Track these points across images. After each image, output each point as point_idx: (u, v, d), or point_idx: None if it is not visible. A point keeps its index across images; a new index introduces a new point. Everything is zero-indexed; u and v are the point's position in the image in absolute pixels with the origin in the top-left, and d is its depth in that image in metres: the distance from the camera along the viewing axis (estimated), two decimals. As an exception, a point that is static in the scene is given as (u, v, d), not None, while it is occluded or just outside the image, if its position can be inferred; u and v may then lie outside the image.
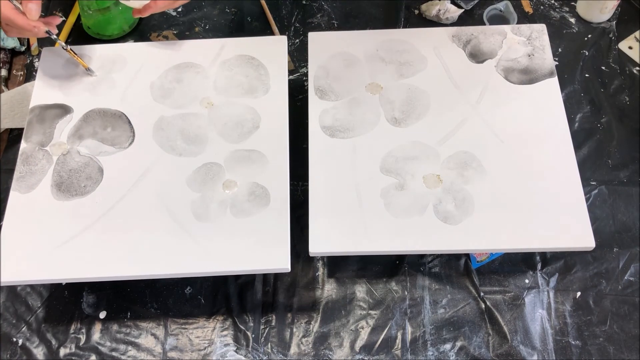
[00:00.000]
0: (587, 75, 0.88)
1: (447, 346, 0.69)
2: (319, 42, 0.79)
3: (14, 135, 0.84)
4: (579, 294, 0.72)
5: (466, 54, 0.78)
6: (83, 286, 0.73)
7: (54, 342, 0.70)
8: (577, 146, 0.80)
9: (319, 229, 0.66)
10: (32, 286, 0.73)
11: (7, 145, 0.83)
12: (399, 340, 0.70)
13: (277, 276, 0.74)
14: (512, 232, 0.65)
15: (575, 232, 0.65)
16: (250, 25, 0.94)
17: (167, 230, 0.66)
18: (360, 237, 0.65)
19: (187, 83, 0.77)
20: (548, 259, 0.74)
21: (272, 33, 0.92)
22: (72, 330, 0.71)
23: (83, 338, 0.70)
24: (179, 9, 0.95)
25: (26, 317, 0.72)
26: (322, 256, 0.74)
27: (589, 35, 0.91)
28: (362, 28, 0.93)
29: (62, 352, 0.70)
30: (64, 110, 0.75)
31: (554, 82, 0.75)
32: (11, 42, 0.90)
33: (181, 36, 0.93)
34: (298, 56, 0.90)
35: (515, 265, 0.74)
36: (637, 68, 0.88)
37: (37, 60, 0.91)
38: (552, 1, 0.95)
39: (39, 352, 0.70)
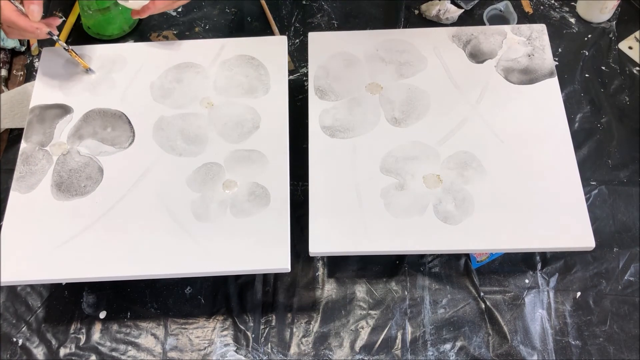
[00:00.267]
0: (587, 75, 0.88)
1: (447, 346, 0.69)
2: (319, 42, 0.79)
3: (14, 135, 0.84)
4: (579, 294, 0.72)
5: (466, 54, 0.78)
6: (83, 286, 0.73)
7: (54, 342, 0.70)
8: (577, 146, 0.80)
9: (319, 229, 0.66)
10: (32, 286, 0.73)
11: (7, 145, 0.83)
12: (399, 340, 0.70)
13: (277, 276, 0.74)
14: (512, 232, 0.65)
15: (575, 232, 0.65)
16: (250, 25, 0.94)
17: (167, 230, 0.66)
18: (360, 237, 0.65)
19: (187, 83, 0.77)
20: (548, 259, 0.74)
21: (272, 33, 0.92)
22: (72, 330, 0.71)
23: (83, 338, 0.70)
24: (179, 9, 0.95)
25: (26, 317, 0.72)
26: (322, 256, 0.74)
27: (589, 35, 0.91)
28: (362, 28, 0.93)
29: (62, 352, 0.70)
30: (64, 110, 0.75)
31: (554, 82, 0.75)
32: (11, 42, 0.90)
33: (181, 36, 0.93)
34: (298, 56, 0.90)
35: (515, 265, 0.74)
36: (637, 68, 0.88)
37: (37, 60, 0.91)
38: (552, 1, 0.95)
39: (39, 352, 0.70)
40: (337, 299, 0.72)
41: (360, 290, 0.73)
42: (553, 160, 0.69)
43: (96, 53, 0.79)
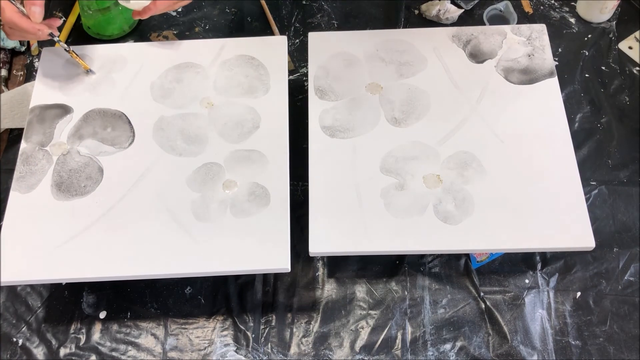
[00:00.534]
0: (587, 75, 0.88)
1: (447, 346, 0.69)
2: (319, 42, 0.79)
3: (14, 135, 0.84)
4: (579, 294, 0.72)
5: (466, 54, 0.78)
6: (83, 286, 0.73)
7: (54, 342, 0.70)
8: (577, 146, 0.80)
9: (319, 229, 0.65)
10: (32, 286, 0.73)
11: (7, 145, 0.83)
12: (399, 340, 0.70)
13: (277, 276, 0.74)
14: (512, 232, 0.65)
15: (575, 232, 0.65)
16: (250, 25, 0.94)
17: (167, 230, 0.66)
18: (360, 237, 0.65)
19: (187, 83, 0.77)
20: (548, 259, 0.74)
21: (272, 33, 0.92)
22: (72, 330, 0.71)
23: (83, 338, 0.70)
24: (179, 9, 0.95)
25: (26, 317, 0.72)
26: (322, 256, 0.74)
27: (589, 35, 0.91)
28: (362, 28, 0.93)
29: (62, 352, 0.70)
30: (64, 110, 0.75)
31: (554, 82, 0.75)
32: (11, 42, 0.90)
33: (181, 36, 0.93)
34: (298, 56, 0.90)
35: (515, 265, 0.74)
36: (637, 68, 0.88)
37: (37, 60, 0.91)
38: (552, 1, 0.95)
39: (39, 352, 0.70)
40: (337, 299, 0.72)
41: (360, 290, 0.73)
42: (553, 160, 0.69)
43: (96, 53, 0.79)
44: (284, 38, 0.80)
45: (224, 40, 0.80)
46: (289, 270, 0.64)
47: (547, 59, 0.77)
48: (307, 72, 0.81)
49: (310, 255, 0.65)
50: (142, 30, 0.93)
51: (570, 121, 0.82)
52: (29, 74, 0.89)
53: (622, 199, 0.78)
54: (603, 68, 0.88)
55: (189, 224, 0.66)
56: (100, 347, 0.70)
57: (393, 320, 0.71)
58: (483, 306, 0.71)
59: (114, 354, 0.69)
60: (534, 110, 0.73)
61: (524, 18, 0.93)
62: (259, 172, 0.69)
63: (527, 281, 0.73)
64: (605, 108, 0.85)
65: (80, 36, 0.93)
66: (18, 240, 0.66)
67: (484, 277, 0.73)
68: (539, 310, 0.71)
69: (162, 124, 0.74)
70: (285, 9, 0.95)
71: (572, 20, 0.93)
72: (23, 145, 0.72)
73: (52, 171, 0.70)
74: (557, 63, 0.88)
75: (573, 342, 0.69)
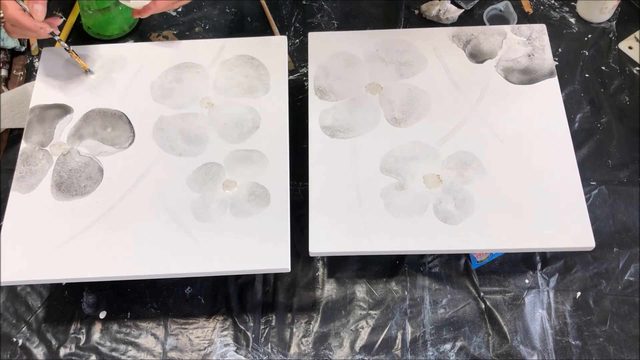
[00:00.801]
0: (587, 75, 0.88)
1: (447, 346, 0.69)
2: (319, 42, 0.79)
3: (14, 135, 0.84)
4: (579, 294, 0.72)
5: (466, 54, 0.78)
6: (83, 286, 0.73)
7: (54, 342, 0.70)
8: (577, 146, 0.80)
9: (319, 229, 0.65)
10: (32, 286, 0.73)
11: (7, 145, 0.83)
12: (399, 340, 0.70)
13: (277, 276, 0.74)
14: (512, 232, 0.65)
15: (575, 232, 0.65)
16: (250, 25, 0.94)
17: (167, 230, 0.66)
18: (360, 237, 0.65)
19: (187, 83, 0.77)
20: (548, 259, 0.74)
21: (272, 33, 0.92)
22: (72, 330, 0.71)
23: (83, 338, 0.70)
24: (179, 9, 0.95)
25: (26, 317, 0.72)
26: (322, 256, 0.74)
27: (589, 35, 0.91)
28: (362, 28, 0.93)
29: (62, 352, 0.70)
30: (64, 110, 0.75)
31: (554, 82, 0.75)
32: (11, 42, 0.90)
33: (181, 36, 0.93)
34: (298, 56, 0.90)
35: (515, 265, 0.74)
36: (637, 68, 0.88)
37: (37, 60, 0.91)
38: (552, 1, 0.95)
39: (39, 352, 0.70)
40: (337, 299, 0.72)
41: (360, 290, 0.73)
42: (553, 160, 0.69)
43: (96, 53, 0.79)
44: (284, 38, 0.80)
45: (224, 40, 0.80)
46: (289, 270, 0.64)
47: (547, 59, 0.77)
48: (307, 72, 0.81)
49: (310, 255, 0.65)
50: (142, 30, 0.93)
51: (570, 121, 0.82)
52: (29, 74, 0.89)
53: (622, 199, 0.78)
54: (603, 68, 0.88)
55: (189, 224, 0.66)
56: (100, 347, 0.70)
57: (393, 320, 0.71)
58: (483, 306, 0.71)
59: (114, 354, 0.69)
60: (534, 110, 0.73)
61: (524, 18, 0.93)
62: (259, 172, 0.69)
63: (527, 281, 0.73)
64: (605, 108, 0.85)
65: (80, 36, 0.93)
66: (18, 240, 0.66)
67: (484, 277, 0.73)
68: (539, 310, 0.71)
69: (162, 124, 0.74)
70: (285, 9, 0.95)
71: (572, 20, 0.93)
72: (23, 145, 0.72)
73: (52, 171, 0.70)
74: (557, 63, 0.88)
75: (573, 342, 0.69)
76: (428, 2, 0.94)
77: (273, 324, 0.71)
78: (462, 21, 0.93)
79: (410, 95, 0.75)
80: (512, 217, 0.66)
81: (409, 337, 0.70)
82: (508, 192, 0.67)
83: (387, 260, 0.74)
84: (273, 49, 0.79)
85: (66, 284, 0.73)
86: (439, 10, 0.92)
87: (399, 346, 0.69)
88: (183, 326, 0.71)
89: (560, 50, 0.90)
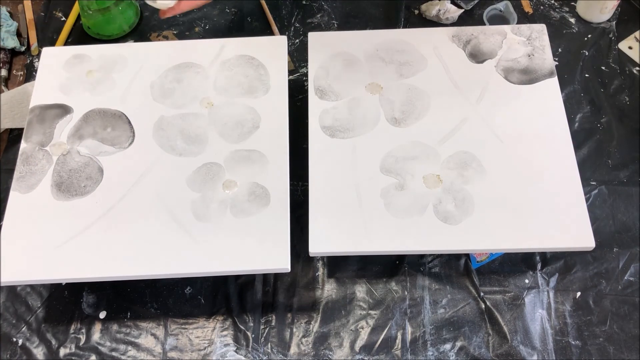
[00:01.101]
0: (587, 75, 0.88)
1: (447, 346, 0.69)
2: (319, 42, 0.79)
3: (14, 135, 0.84)
4: (579, 294, 0.72)
5: (466, 54, 0.78)
6: (83, 286, 0.73)
7: (54, 342, 0.70)
8: (577, 146, 0.80)
9: (319, 229, 0.66)
10: (32, 286, 0.73)
11: (7, 145, 0.83)
12: (399, 340, 0.70)
13: (277, 276, 0.74)
14: (512, 232, 0.65)
15: (575, 232, 0.65)
16: (250, 25, 0.94)
17: (167, 230, 0.66)
18: (360, 237, 0.65)
19: (187, 83, 0.77)
20: (548, 259, 0.74)
21: (272, 33, 0.92)
22: (72, 330, 0.71)
23: (83, 338, 0.70)
24: (179, 9, 0.95)
25: (26, 317, 0.72)
26: (322, 256, 0.74)
27: (589, 35, 0.91)
28: (362, 28, 0.93)
29: (62, 352, 0.70)
30: (64, 110, 0.75)
31: (554, 82, 0.75)
32: (11, 42, 0.90)
33: (181, 36, 0.93)
34: (298, 56, 0.90)
35: (515, 265, 0.74)
36: (637, 68, 0.88)
37: (37, 60, 0.91)
38: (552, 1, 0.95)
39: (39, 352, 0.70)
40: (337, 299, 0.72)
41: (360, 290, 0.73)
42: (553, 160, 0.69)
43: (96, 53, 0.79)
44: (284, 38, 0.80)
45: (224, 40, 0.80)
46: (289, 270, 0.64)
47: (547, 59, 0.77)
48: (307, 72, 0.81)
49: (310, 255, 0.65)
50: (142, 30, 0.93)
51: (570, 121, 0.82)
52: (29, 74, 0.89)
53: (622, 199, 0.78)
54: (603, 68, 0.88)
55: (189, 224, 0.66)
56: (100, 347, 0.70)
57: (393, 320, 0.71)
58: (483, 306, 0.71)
59: (114, 354, 0.69)
60: (534, 110, 0.73)
61: (524, 18, 0.93)
62: (259, 172, 0.69)
63: (527, 281, 0.73)
64: (605, 108, 0.85)
65: (80, 36, 0.92)
66: (18, 240, 0.66)
67: (484, 277, 0.73)
68: (539, 310, 0.71)
69: (162, 124, 0.74)
70: (285, 9, 0.95)
71: (572, 20, 0.93)
72: (23, 145, 0.72)
73: (52, 171, 0.70)
74: (557, 63, 0.88)
75: (573, 342, 0.69)
76: (428, 2, 0.94)
77: (273, 324, 0.71)
78: (462, 21, 0.93)
79: (410, 95, 0.75)
80: (512, 217, 0.66)
81: (409, 337, 0.70)
82: (508, 192, 0.67)
83: (387, 260, 0.74)
84: (273, 49, 0.79)
85: (66, 284, 0.73)
86: (439, 10, 0.92)
87: (399, 346, 0.69)
88: (183, 326, 0.71)
89: (560, 50, 0.90)
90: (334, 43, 0.79)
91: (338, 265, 0.74)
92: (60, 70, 0.78)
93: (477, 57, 0.78)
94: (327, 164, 0.70)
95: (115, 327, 0.71)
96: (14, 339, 0.70)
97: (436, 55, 0.78)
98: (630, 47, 0.90)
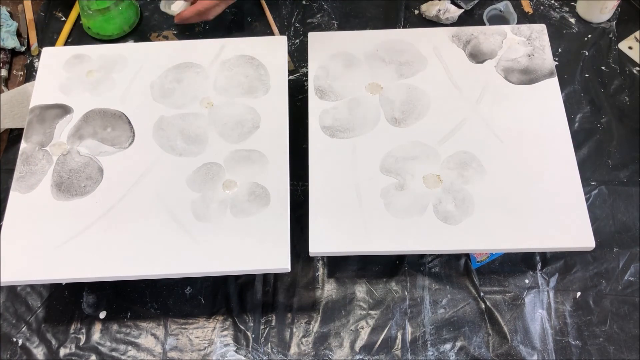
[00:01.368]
0: (587, 75, 0.88)
1: (447, 346, 0.69)
2: (319, 42, 0.79)
3: (14, 135, 0.84)
4: (579, 294, 0.72)
5: (466, 54, 0.78)
6: (83, 286, 0.73)
7: (54, 342, 0.70)
8: (577, 146, 0.80)
9: (319, 229, 0.66)
10: (32, 286, 0.73)
11: (7, 145, 0.83)
12: (399, 340, 0.70)
13: (277, 276, 0.74)
14: (512, 232, 0.65)
15: (575, 232, 0.65)
16: (250, 25, 0.94)
17: (167, 230, 0.66)
18: (360, 237, 0.65)
19: (187, 83, 0.77)
20: (548, 259, 0.74)
21: (272, 33, 0.92)
22: (72, 330, 0.71)
23: (83, 338, 0.70)
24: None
25: (26, 317, 0.72)
26: (322, 256, 0.74)
27: (589, 35, 0.91)
28: (362, 28, 0.93)
29: (62, 352, 0.70)
30: (64, 110, 0.75)
31: (554, 82, 0.75)
32: (11, 42, 0.90)
33: (181, 36, 0.92)
34: (298, 56, 0.90)
35: (515, 265, 0.74)
36: (637, 68, 0.88)
37: (37, 60, 0.91)
38: (552, 1, 0.95)
39: (39, 352, 0.70)
40: (337, 299, 0.72)
41: (360, 290, 0.73)
42: (553, 160, 0.69)
43: (96, 53, 0.79)
44: (284, 38, 0.80)
45: (224, 40, 0.80)
46: (289, 270, 0.64)
47: (547, 59, 0.77)
48: (307, 72, 0.81)
49: (310, 255, 0.65)
50: (142, 30, 0.93)
51: (570, 121, 0.82)
52: (29, 74, 0.89)
53: (622, 199, 0.78)
54: (603, 68, 0.88)
55: (189, 224, 0.66)
56: (100, 347, 0.70)
57: (393, 320, 0.71)
58: (483, 306, 0.71)
59: (114, 354, 0.69)
60: (534, 110, 0.73)
61: (524, 18, 0.93)
62: (259, 172, 0.69)
63: (527, 281, 0.73)
64: (605, 108, 0.85)
65: (80, 36, 0.92)
66: (18, 240, 0.66)
67: (484, 277, 0.73)
68: (539, 310, 0.71)
69: (162, 124, 0.74)
70: (285, 9, 0.95)
71: (572, 20, 0.93)
72: (23, 145, 0.72)
73: (52, 171, 0.70)
74: (557, 63, 0.88)
75: (573, 342, 0.69)
76: (428, 2, 0.94)
77: (273, 324, 0.71)
78: (462, 21, 0.93)
79: (410, 95, 0.75)
80: (512, 217, 0.66)
81: (409, 337, 0.70)
82: (508, 192, 0.67)
83: (387, 260, 0.74)
84: (273, 49, 0.79)
85: (66, 284, 0.73)
86: (439, 10, 0.92)
87: (399, 346, 0.69)
88: (183, 326, 0.71)
89: (560, 50, 0.90)
90: (334, 43, 0.79)
91: (338, 265, 0.74)
92: (60, 70, 0.78)
93: (477, 57, 0.78)
94: (327, 164, 0.70)
95: (115, 327, 0.71)
96: (14, 339, 0.70)
97: (436, 55, 0.78)
98: (630, 47, 0.90)
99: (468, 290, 0.72)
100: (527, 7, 0.94)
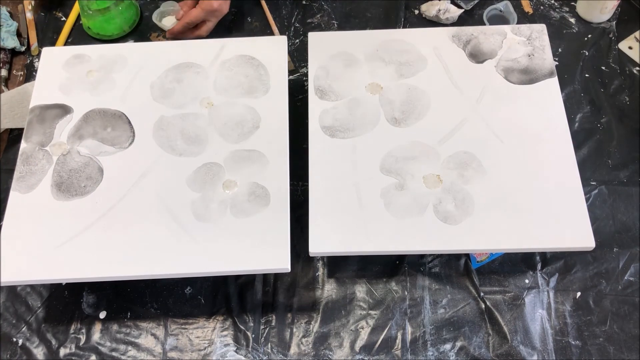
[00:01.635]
0: (587, 75, 0.88)
1: (447, 346, 0.69)
2: (319, 42, 0.79)
3: (14, 135, 0.84)
4: (579, 294, 0.72)
5: (466, 54, 0.78)
6: (83, 286, 0.73)
7: (54, 342, 0.70)
8: (577, 146, 0.80)
9: (319, 229, 0.65)
10: (32, 286, 0.73)
11: (7, 145, 0.83)
12: (399, 340, 0.70)
13: (277, 276, 0.74)
14: (512, 232, 0.65)
15: (575, 232, 0.65)
16: (250, 25, 0.94)
17: (167, 230, 0.66)
18: (360, 237, 0.65)
19: (187, 83, 0.77)
20: (548, 259, 0.74)
21: (272, 33, 0.92)
22: (72, 330, 0.71)
23: (83, 338, 0.70)
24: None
25: (26, 317, 0.72)
26: (322, 256, 0.74)
27: (589, 35, 0.91)
28: (362, 28, 0.93)
29: (62, 352, 0.70)
30: (64, 110, 0.75)
31: (554, 82, 0.75)
32: (11, 42, 0.90)
33: (181, 36, 0.92)
34: (298, 56, 0.90)
35: (515, 265, 0.74)
36: (637, 68, 0.88)
37: (37, 60, 0.91)
38: (552, 1, 0.95)
39: (39, 352, 0.70)
40: (337, 299, 0.72)
41: (360, 290, 0.73)
42: (553, 160, 0.69)
43: (96, 53, 0.79)
44: (284, 38, 0.80)
45: (224, 40, 0.80)
46: (289, 270, 0.64)
47: (547, 59, 0.77)
48: (307, 72, 0.81)
49: (310, 255, 0.65)
50: (142, 30, 0.93)
51: (570, 121, 0.82)
52: (29, 74, 0.89)
53: (622, 199, 0.78)
54: (603, 68, 0.88)
55: (189, 224, 0.66)
56: (100, 347, 0.70)
57: (393, 320, 0.71)
58: (483, 306, 0.71)
59: (114, 354, 0.69)
60: (534, 110, 0.73)
61: (524, 18, 0.93)
62: (259, 172, 0.69)
63: (527, 281, 0.73)
64: (605, 108, 0.85)
65: (80, 36, 0.93)
66: (18, 240, 0.66)
67: (484, 277, 0.73)
68: (539, 310, 0.71)
69: (162, 124, 0.74)
70: (285, 9, 0.95)
71: (572, 20, 0.93)
72: (23, 145, 0.72)
73: (52, 171, 0.70)
74: (557, 63, 0.88)
75: (573, 342, 0.69)
76: (428, 2, 0.94)
77: (273, 324, 0.71)
78: (462, 21, 0.93)
79: (410, 95, 0.75)
80: (512, 217, 0.66)
81: (409, 337, 0.70)
82: (508, 192, 0.67)
83: (387, 260, 0.74)
84: (273, 49, 0.79)
85: (66, 284, 0.73)
86: (439, 10, 0.92)
87: (399, 346, 0.69)
88: (183, 326, 0.71)
89: (560, 50, 0.90)
90: (334, 43, 0.79)
91: (338, 265, 0.74)
92: (60, 70, 0.78)
93: (477, 57, 0.78)
94: (327, 164, 0.70)
95: (115, 327, 0.71)
96: (14, 339, 0.70)
97: (436, 55, 0.78)
98: (630, 47, 0.90)
99: (468, 290, 0.72)
100: (527, 7, 0.94)
